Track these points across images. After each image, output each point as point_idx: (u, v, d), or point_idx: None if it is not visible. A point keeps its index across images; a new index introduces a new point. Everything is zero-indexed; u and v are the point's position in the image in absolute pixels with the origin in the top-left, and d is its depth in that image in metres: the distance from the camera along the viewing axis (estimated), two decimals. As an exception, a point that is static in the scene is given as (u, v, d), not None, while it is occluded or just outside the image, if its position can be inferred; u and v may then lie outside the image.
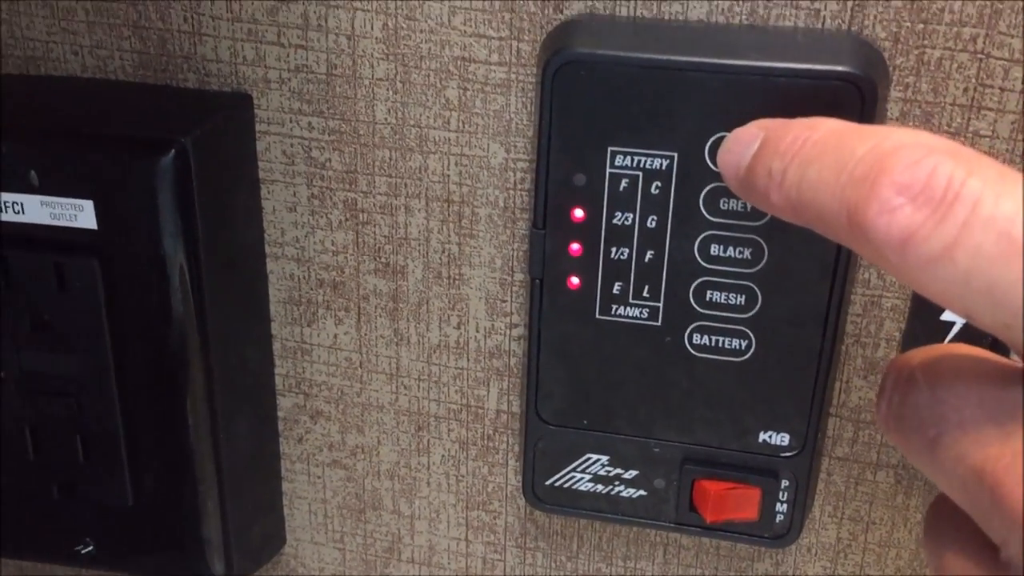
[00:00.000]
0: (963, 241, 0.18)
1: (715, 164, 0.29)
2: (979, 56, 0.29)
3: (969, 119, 0.30)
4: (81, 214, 0.33)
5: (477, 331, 0.36)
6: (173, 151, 0.32)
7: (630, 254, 0.31)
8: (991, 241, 0.18)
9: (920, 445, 0.21)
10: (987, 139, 0.30)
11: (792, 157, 0.22)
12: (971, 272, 0.18)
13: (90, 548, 0.38)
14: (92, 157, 0.32)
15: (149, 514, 0.37)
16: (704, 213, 0.30)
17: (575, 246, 0.31)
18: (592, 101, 0.29)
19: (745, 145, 0.24)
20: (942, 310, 0.32)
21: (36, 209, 0.33)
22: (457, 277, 0.36)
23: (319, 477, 0.41)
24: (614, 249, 0.31)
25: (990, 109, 0.30)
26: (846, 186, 0.20)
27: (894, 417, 0.22)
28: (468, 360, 0.37)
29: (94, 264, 0.33)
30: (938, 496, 0.23)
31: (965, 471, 0.20)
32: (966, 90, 0.30)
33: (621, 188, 0.30)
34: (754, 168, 0.24)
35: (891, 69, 0.30)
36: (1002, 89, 0.30)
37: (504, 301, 0.36)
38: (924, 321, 0.32)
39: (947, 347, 0.22)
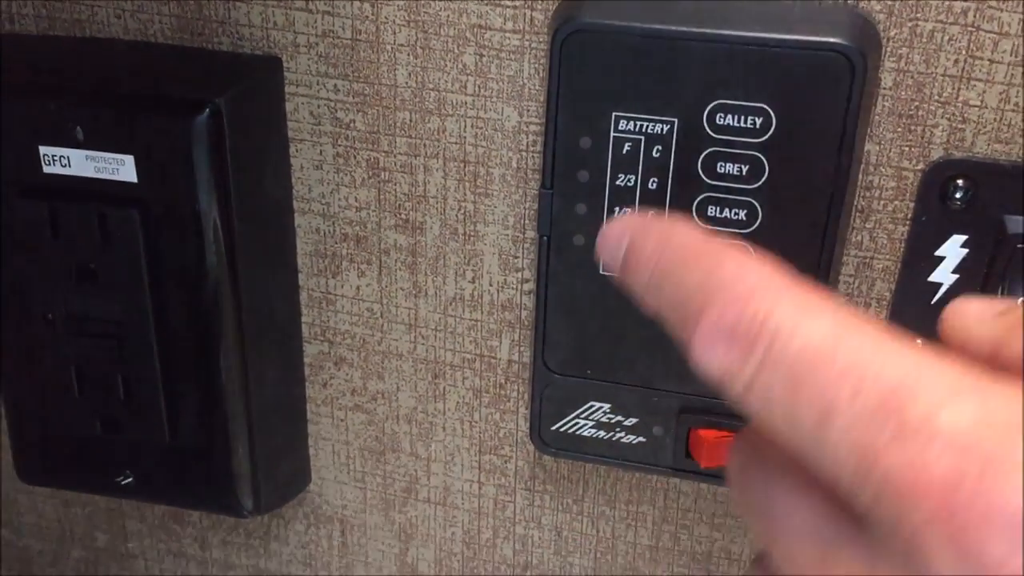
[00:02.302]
0: (760, 377, 0.19)
1: (713, 130, 0.31)
2: (970, 29, 0.31)
3: (959, 89, 0.32)
4: (122, 168, 0.35)
5: (490, 285, 0.39)
6: (208, 110, 0.34)
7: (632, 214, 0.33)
8: (778, 379, 0.19)
9: (761, 532, 0.22)
10: (976, 108, 0.32)
11: (649, 275, 0.23)
12: (768, 406, 0.19)
13: (129, 480, 0.41)
14: (133, 115, 0.35)
15: (184, 450, 0.40)
16: (702, 176, 0.32)
17: (581, 205, 0.33)
18: (598, 68, 0.31)
19: (615, 245, 0.25)
20: (930, 271, 0.34)
21: (81, 163, 0.35)
22: (472, 234, 0.38)
23: (342, 420, 0.43)
24: (617, 209, 0.33)
25: (979, 80, 0.31)
26: (680, 321, 0.21)
27: (741, 500, 0.22)
28: (482, 312, 0.39)
29: (134, 215, 0.35)
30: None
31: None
32: (956, 61, 0.31)
33: (624, 151, 0.32)
34: (627, 275, 0.25)
35: (884, 40, 0.31)
36: (991, 61, 0.31)
37: (516, 257, 0.38)
38: (913, 283, 0.34)
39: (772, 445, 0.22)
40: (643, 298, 0.24)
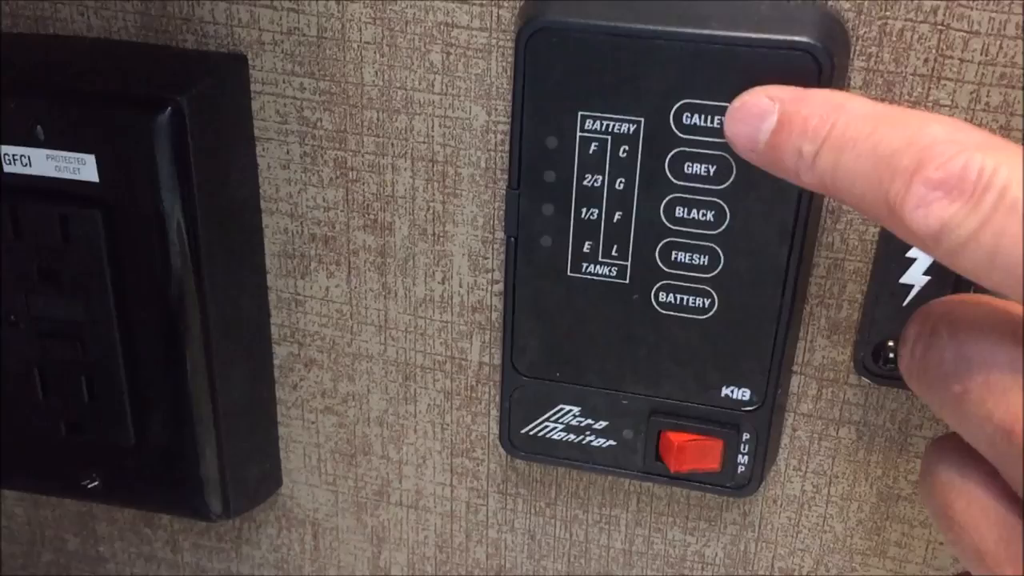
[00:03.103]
0: (989, 225, 0.20)
1: (680, 130, 0.31)
2: (939, 27, 0.30)
3: (929, 89, 0.31)
4: (83, 167, 0.35)
5: (460, 286, 0.38)
6: (169, 108, 0.34)
7: (599, 215, 0.33)
8: (1014, 223, 0.19)
9: (944, 399, 0.22)
10: (947, 108, 0.31)
11: (823, 141, 0.23)
12: (996, 252, 0.20)
13: (96, 483, 0.40)
14: (94, 113, 0.34)
15: (151, 453, 0.40)
16: (669, 176, 0.31)
17: (548, 206, 0.33)
18: (563, 67, 0.31)
19: (758, 118, 0.25)
20: (901, 273, 0.33)
21: (42, 162, 0.35)
22: (441, 234, 0.37)
23: (313, 422, 0.43)
24: (584, 210, 0.33)
25: (949, 79, 0.31)
26: (883, 179, 0.21)
27: (917, 368, 0.23)
28: (452, 314, 0.39)
29: (96, 215, 0.35)
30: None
31: (993, 429, 0.20)
32: (926, 60, 0.31)
33: (591, 151, 0.32)
34: (778, 146, 0.24)
35: (854, 39, 0.31)
36: (961, 60, 0.31)
37: (486, 258, 0.37)
38: (885, 284, 0.34)
39: (973, 298, 0.23)
40: (800, 173, 0.24)
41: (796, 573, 0.40)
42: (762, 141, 0.25)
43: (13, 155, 0.35)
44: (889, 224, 0.21)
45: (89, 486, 0.40)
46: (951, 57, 0.31)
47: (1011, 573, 0.21)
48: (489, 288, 0.38)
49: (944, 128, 0.21)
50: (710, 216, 0.32)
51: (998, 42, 0.30)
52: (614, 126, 0.31)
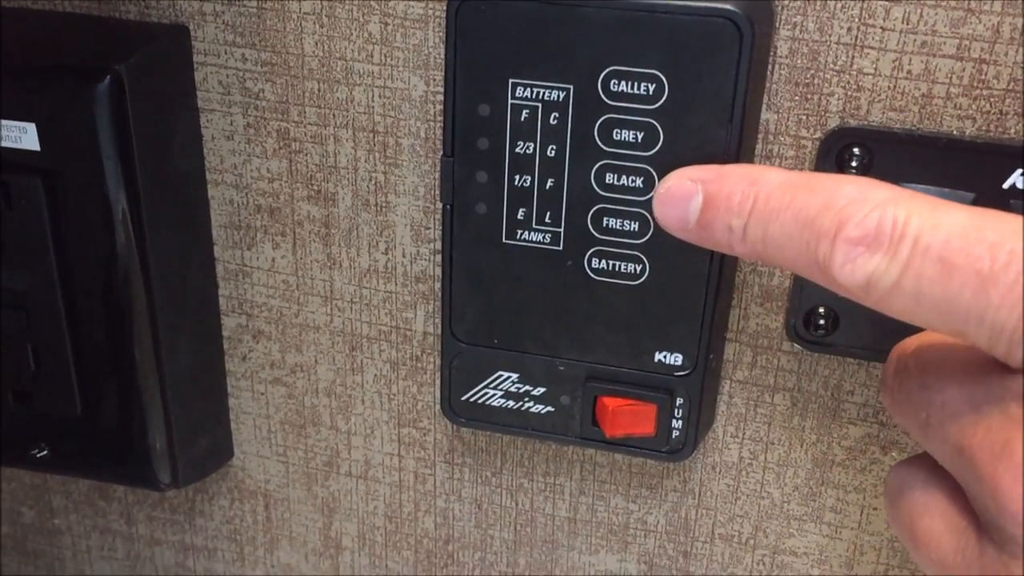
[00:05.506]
0: (910, 270, 0.22)
1: (608, 96, 0.31)
2: (862, -3, 0.31)
3: (853, 57, 0.32)
4: (25, 136, 0.35)
5: (404, 256, 0.39)
6: (109, 78, 0.34)
7: (532, 182, 0.33)
8: (930, 266, 0.22)
9: (915, 425, 0.25)
10: (870, 76, 0.32)
11: (749, 214, 0.25)
12: (919, 293, 0.22)
13: (44, 452, 0.41)
14: (34, 82, 0.34)
15: (98, 423, 0.40)
16: (599, 143, 0.32)
17: (481, 173, 0.33)
18: (494, 35, 0.31)
19: (684, 200, 0.27)
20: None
21: (-17, 131, 0.35)
22: (384, 204, 0.38)
23: (262, 394, 0.43)
24: (517, 177, 0.33)
25: (872, 48, 0.31)
26: (810, 242, 0.24)
27: (895, 399, 0.26)
28: (396, 284, 0.39)
29: (37, 183, 0.35)
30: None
31: (951, 448, 0.23)
32: (850, 29, 0.31)
33: (522, 118, 0.32)
34: (708, 224, 0.27)
35: (779, 9, 0.31)
36: (883, 28, 0.31)
37: (428, 228, 0.38)
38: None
39: (936, 339, 0.25)
40: (733, 245, 0.26)
41: (735, 539, 0.40)
42: (692, 221, 0.27)
43: (-45, 124, 0.35)
44: (822, 281, 0.24)
45: (38, 456, 0.41)
46: (873, 26, 0.31)
47: None
48: (432, 258, 0.38)
49: (856, 187, 0.24)
50: (639, 183, 0.32)
51: (919, 10, 0.31)
52: (544, 93, 0.32)
